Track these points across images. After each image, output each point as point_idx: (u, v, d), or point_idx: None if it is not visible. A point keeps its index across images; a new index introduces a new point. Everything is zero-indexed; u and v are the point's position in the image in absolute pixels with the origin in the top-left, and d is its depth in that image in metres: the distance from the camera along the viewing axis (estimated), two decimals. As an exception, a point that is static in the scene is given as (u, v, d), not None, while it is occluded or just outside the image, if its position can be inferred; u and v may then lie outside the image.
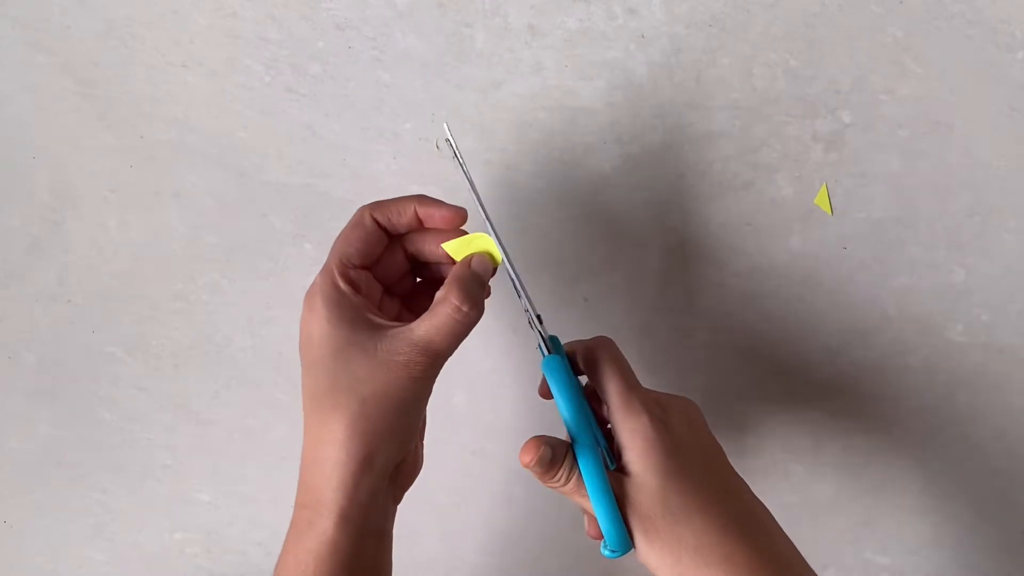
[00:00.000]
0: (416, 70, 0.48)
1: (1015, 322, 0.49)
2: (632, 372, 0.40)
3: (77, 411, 0.52)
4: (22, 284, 0.51)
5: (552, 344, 0.40)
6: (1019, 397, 0.50)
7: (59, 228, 0.50)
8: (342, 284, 0.38)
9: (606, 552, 0.37)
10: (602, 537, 0.38)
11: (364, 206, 0.40)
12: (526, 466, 0.38)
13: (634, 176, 0.49)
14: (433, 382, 0.39)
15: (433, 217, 0.40)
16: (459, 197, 0.49)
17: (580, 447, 0.38)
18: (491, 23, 0.48)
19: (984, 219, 0.49)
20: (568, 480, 0.38)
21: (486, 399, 0.51)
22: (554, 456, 0.38)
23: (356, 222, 0.40)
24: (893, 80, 0.48)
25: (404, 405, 0.37)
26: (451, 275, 0.39)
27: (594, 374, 0.40)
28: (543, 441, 0.38)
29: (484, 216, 0.39)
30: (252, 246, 0.50)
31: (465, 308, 0.38)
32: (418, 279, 0.44)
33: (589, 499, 0.37)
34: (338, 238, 0.40)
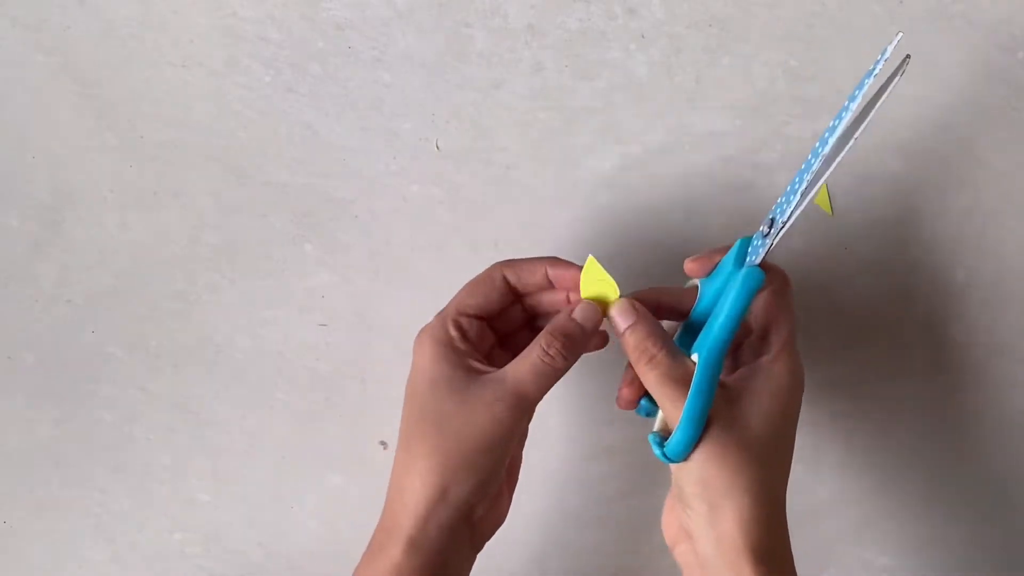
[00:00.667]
0: (416, 70, 0.48)
1: (1015, 322, 0.49)
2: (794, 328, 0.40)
3: (77, 411, 0.51)
4: (22, 284, 0.51)
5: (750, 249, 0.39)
6: (1019, 397, 0.50)
7: (59, 228, 0.50)
8: (451, 329, 0.40)
9: (661, 451, 0.37)
10: (632, 407, 0.38)
11: (497, 263, 0.42)
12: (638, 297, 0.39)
13: (634, 176, 0.49)
14: (521, 426, 0.40)
15: (564, 279, 0.41)
16: (460, 200, 0.49)
17: (712, 349, 0.37)
18: (491, 23, 0.48)
19: (984, 219, 0.49)
20: (667, 358, 0.38)
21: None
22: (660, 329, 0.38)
23: (485, 277, 0.41)
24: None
25: (484, 443, 0.38)
26: (552, 321, 0.40)
27: (772, 311, 0.40)
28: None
29: None
30: (252, 246, 0.50)
31: (551, 353, 0.39)
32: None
33: (672, 392, 0.37)
34: (464, 286, 0.42)
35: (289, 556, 0.52)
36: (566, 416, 0.51)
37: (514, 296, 0.42)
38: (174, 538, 0.53)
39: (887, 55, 0.34)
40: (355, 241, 0.50)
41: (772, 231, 0.38)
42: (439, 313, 0.41)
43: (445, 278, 0.49)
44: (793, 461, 0.51)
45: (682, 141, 0.48)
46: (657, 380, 0.38)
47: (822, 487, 0.51)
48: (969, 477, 0.51)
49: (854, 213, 0.49)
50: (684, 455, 0.37)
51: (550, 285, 0.42)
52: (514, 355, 0.42)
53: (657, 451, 0.37)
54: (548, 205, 0.49)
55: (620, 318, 0.39)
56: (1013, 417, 0.50)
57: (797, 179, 0.38)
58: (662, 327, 0.39)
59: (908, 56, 0.35)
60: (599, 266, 0.40)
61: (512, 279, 0.41)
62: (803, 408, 0.50)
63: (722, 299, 0.38)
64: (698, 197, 0.49)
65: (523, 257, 0.42)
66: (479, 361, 0.40)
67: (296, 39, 0.48)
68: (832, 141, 0.37)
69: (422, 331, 0.41)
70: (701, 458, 0.37)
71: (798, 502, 0.51)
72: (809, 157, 0.38)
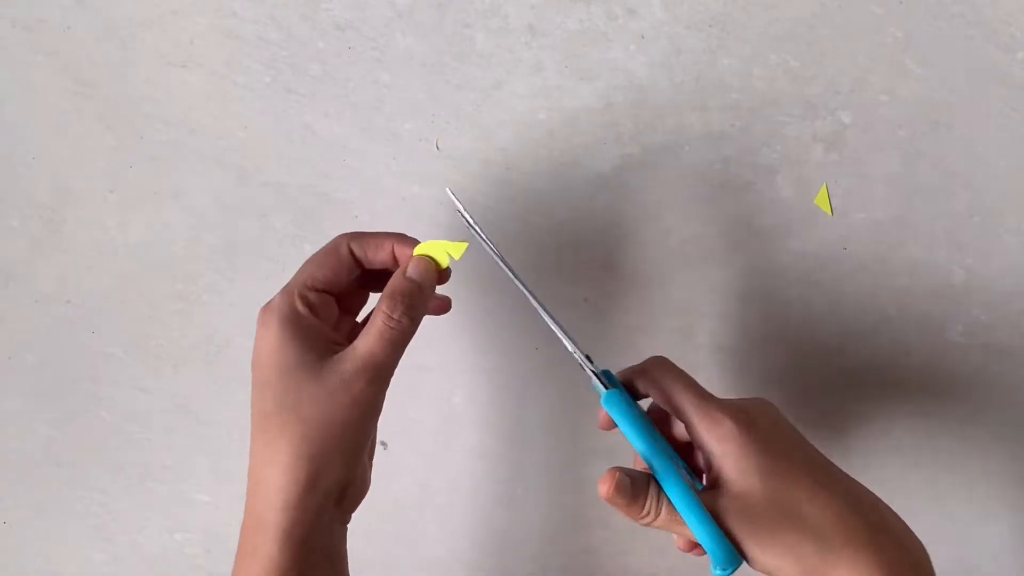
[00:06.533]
0: (416, 70, 0.48)
1: (1015, 323, 0.49)
2: (699, 384, 0.40)
3: (77, 411, 0.52)
4: (22, 284, 0.51)
5: (607, 378, 0.40)
6: (1019, 397, 0.50)
7: (59, 228, 0.50)
8: (300, 305, 0.38)
9: (717, 572, 0.36)
10: (693, 549, 0.38)
11: (343, 235, 0.40)
12: (605, 497, 0.37)
13: (634, 177, 0.49)
14: (378, 400, 0.38)
15: (407, 257, 0.40)
16: (459, 200, 0.49)
17: (663, 475, 0.37)
18: (491, 23, 0.48)
19: (984, 219, 0.49)
20: (659, 511, 0.37)
21: (486, 398, 0.51)
22: (634, 485, 0.37)
23: (331, 249, 0.40)
24: (893, 80, 0.48)
25: (347, 426, 0.37)
26: (388, 285, 0.39)
27: (661, 393, 0.39)
28: (619, 470, 0.37)
29: (502, 265, 0.40)
30: (252, 246, 0.50)
31: (395, 316, 0.38)
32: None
33: (685, 524, 0.36)
34: (309, 260, 0.40)
35: (289, 556, 0.52)
36: (566, 416, 0.51)
37: (359, 270, 0.41)
38: (174, 538, 0.52)
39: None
40: (355, 241, 0.50)
41: (588, 363, 0.40)
42: (284, 288, 0.39)
43: (445, 278, 0.50)
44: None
45: (682, 141, 0.48)
46: (666, 529, 0.38)
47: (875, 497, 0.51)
48: (969, 478, 0.51)
49: (854, 213, 0.49)
50: (733, 562, 0.36)
51: (395, 263, 0.40)
52: (359, 325, 0.42)
53: (718, 573, 0.37)
54: (548, 205, 0.49)
55: (599, 486, 0.38)
56: (1013, 417, 0.50)
57: (553, 327, 0.40)
58: (636, 484, 0.38)
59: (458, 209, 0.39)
60: (438, 241, 0.40)
61: (358, 252, 0.40)
62: (803, 408, 0.50)
63: (623, 431, 0.39)
64: (698, 197, 0.49)
65: (371, 231, 0.41)
66: (329, 337, 0.39)
67: (296, 39, 0.48)
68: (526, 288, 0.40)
69: (266, 309, 0.39)
70: (756, 549, 0.36)
71: (798, 502, 0.51)
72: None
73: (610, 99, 0.48)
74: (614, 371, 0.41)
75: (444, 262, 0.40)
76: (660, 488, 0.37)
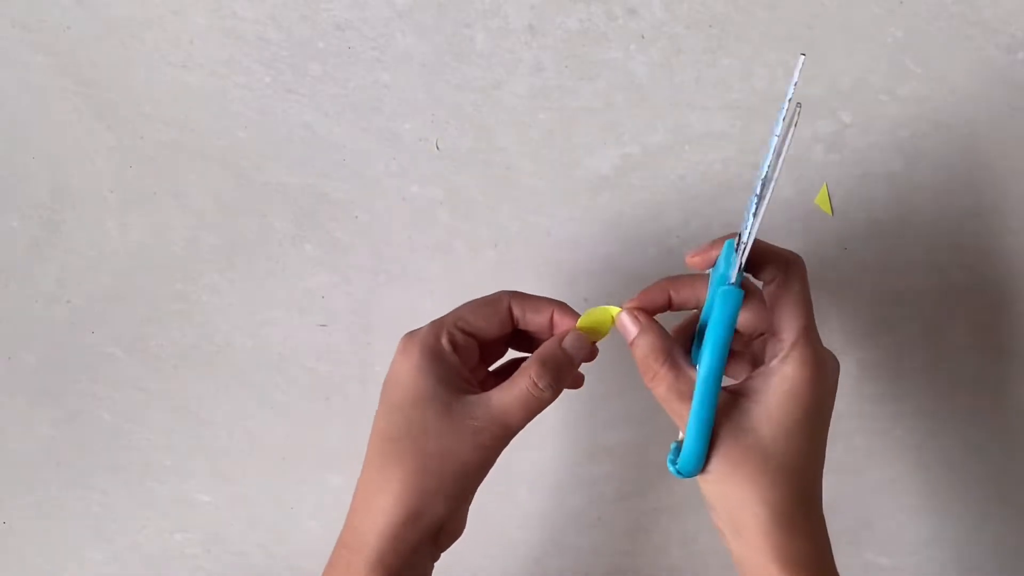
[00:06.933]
0: (416, 70, 0.48)
1: (1015, 323, 0.49)
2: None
3: (77, 411, 0.52)
4: (22, 284, 0.51)
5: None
6: (1019, 397, 0.50)
7: (59, 228, 0.50)
8: (445, 340, 0.39)
9: (674, 468, 0.36)
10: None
11: (507, 292, 0.41)
12: (635, 322, 0.37)
13: (634, 177, 0.49)
14: (497, 455, 0.39)
15: (565, 326, 0.40)
16: (460, 200, 0.49)
17: (703, 365, 0.36)
18: (491, 23, 0.48)
19: (984, 219, 0.49)
20: (668, 376, 0.37)
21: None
22: (663, 342, 0.37)
23: (492, 300, 0.40)
24: (893, 80, 0.48)
25: (465, 469, 0.37)
26: (539, 349, 0.39)
27: (785, 285, 0.38)
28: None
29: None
30: (252, 246, 0.50)
31: (541, 385, 0.38)
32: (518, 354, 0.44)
33: (682, 405, 0.36)
34: (468, 303, 0.40)
35: (289, 557, 0.52)
36: (566, 416, 0.51)
37: (512, 327, 0.41)
38: (174, 538, 0.53)
39: (795, 79, 0.34)
40: (355, 241, 0.50)
41: (740, 248, 0.37)
42: (433, 321, 0.40)
43: (445, 278, 0.50)
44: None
45: (682, 141, 0.48)
46: (662, 396, 0.37)
47: (823, 488, 0.51)
48: (969, 477, 0.51)
49: (854, 213, 0.49)
50: (693, 470, 0.36)
51: (551, 331, 0.41)
52: (495, 374, 0.42)
53: (671, 468, 0.37)
54: (548, 205, 0.49)
55: (624, 330, 0.38)
56: (1013, 417, 0.50)
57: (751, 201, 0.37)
58: (666, 336, 0.38)
59: (799, 105, 0.34)
60: (603, 308, 0.39)
61: (517, 312, 0.40)
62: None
63: (710, 316, 0.37)
64: (698, 197, 0.49)
65: (534, 294, 0.41)
66: (466, 378, 0.39)
67: (296, 39, 0.48)
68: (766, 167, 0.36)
69: (410, 335, 0.39)
70: (714, 472, 0.36)
71: (798, 502, 0.51)
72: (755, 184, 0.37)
73: (610, 99, 0.48)
74: None
75: (606, 330, 0.40)
76: (683, 363, 0.37)
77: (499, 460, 0.51)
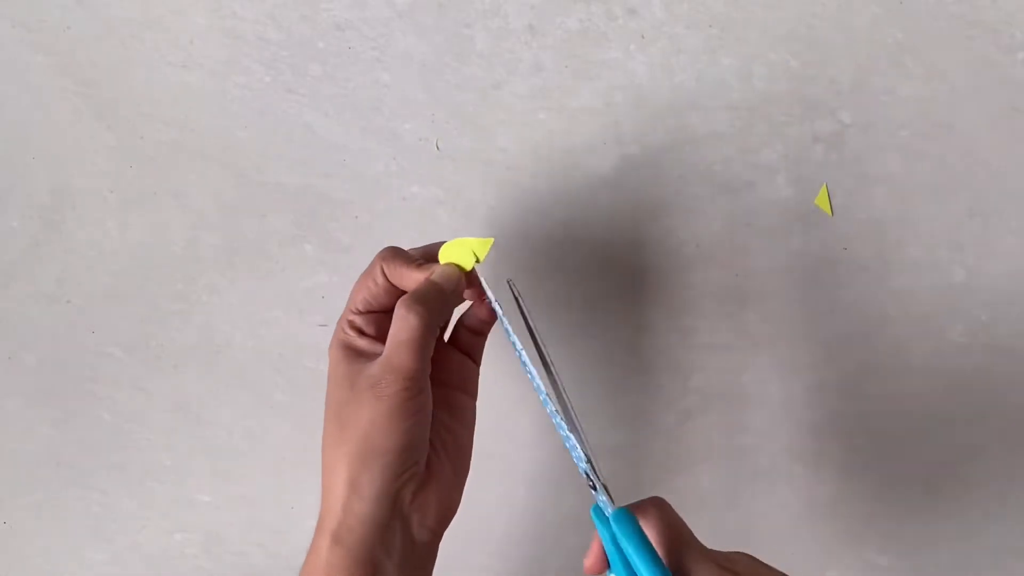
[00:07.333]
0: (416, 70, 0.48)
1: (1015, 323, 0.49)
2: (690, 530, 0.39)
3: (77, 411, 0.52)
4: (22, 284, 0.51)
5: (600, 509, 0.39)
6: (1019, 397, 0.50)
7: (59, 228, 0.50)
8: (347, 329, 0.41)
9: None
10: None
11: (378, 256, 0.41)
12: None
13: (634, 177, 0.49)
14: (409, 404, 0.38)
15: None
16: (460, 200, 0.49)
17: None
18: (491, 23, 0.48)
19: (984, 219, 0.49)
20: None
21: (487, 400, 0.51)
22: None
23: (369, 269, 0.41)
24: (893, 80, 0.48)
25: (378, 425, 0.37)
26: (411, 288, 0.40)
27: (665, 531, 0.38)
28: None
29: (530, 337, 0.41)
30: (252, 246, 0.50)
31: (411, 315, 0.38)
32: None
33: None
34: (355, 283, 0.42)
35: (289, 557, 0.52)
36: (566, 416, 0.51)
37: (397, 290, 0.41)
38: (174, 538, 0.52)
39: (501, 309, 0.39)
40: (355, 241, 0.50)
41: (593, 479, 0.39)
42: (339, 318, 0.42)
43: (445, 278, 0.50)
44: (793, 461, 0.51)
45: (682, 141, 0.48)
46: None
47: (822, 487, 0.51)
48: (969, 477, 0.51)
49: (854, 213, 0.49)
50: None
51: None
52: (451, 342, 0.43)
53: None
54: (548, 205, 0.49)
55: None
56: (1013, 417, 0.50)
57: (560, 428, 0.39)
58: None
59: (510, 279, 0.41)
60: (463, 239, 0.41)
61: (388, 272, 0.41)
62: (804, 409, 0.50)
63: (628, 553, 0.37)
64: (698, 197, 0.49)
65: (407, 248, 0.42)
66: (375, 351, 0.40)
67: (296, 39, 0.48)
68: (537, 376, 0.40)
69: (331, 340, 0.41)
70: None
71: (800, 503, 0.51)
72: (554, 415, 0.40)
73: (610, 99, 0.48)
74: None
75: (468, 265, 0.41)
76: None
77: (499, 460, 0.51)
